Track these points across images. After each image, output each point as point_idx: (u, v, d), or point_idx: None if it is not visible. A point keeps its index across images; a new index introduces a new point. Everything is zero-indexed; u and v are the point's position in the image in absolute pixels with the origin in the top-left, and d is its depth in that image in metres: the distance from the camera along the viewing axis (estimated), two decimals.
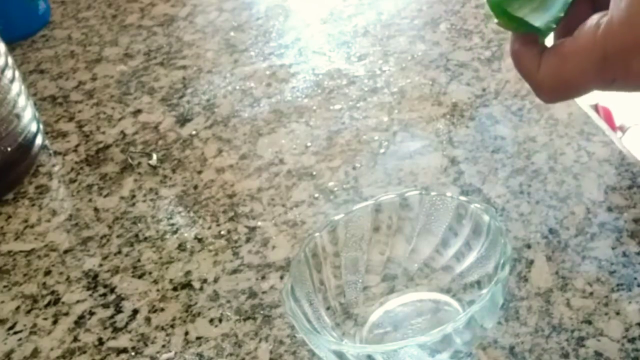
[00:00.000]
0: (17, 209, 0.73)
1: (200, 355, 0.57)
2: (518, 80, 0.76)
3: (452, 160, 0.69)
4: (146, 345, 0.59)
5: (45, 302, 0.64)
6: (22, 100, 0.75)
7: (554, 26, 0.47)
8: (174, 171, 0.74)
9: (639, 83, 0.43)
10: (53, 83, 0.90)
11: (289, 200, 0.68)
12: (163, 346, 0.59)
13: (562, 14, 0.47)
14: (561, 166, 0.66)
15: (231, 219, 0.68)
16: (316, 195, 0.68)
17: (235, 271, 0.63)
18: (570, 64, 0.44)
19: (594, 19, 0.43)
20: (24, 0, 0.98)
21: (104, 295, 0.63)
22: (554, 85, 0.46)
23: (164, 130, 0.79)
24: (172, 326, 0.60)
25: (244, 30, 0.92)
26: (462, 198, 0.55)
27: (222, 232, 0.67)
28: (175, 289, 0.63)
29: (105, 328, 0.61)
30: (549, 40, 0.48)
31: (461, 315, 0.47)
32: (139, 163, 0.76)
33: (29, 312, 0.63)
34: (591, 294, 0.56)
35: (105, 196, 0.73)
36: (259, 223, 0.67)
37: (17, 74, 0.75)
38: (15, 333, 0.62)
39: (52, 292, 0.65)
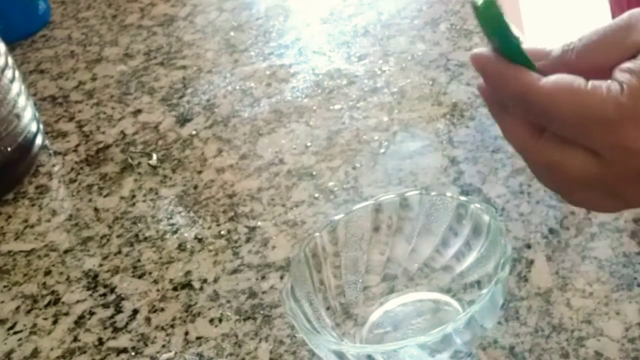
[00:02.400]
0: (17, 209, 0.73)
1: (200, 355, 0.57)
2: None
3: (452, 160, 0.69)
4: (146, 345, 0.59)
5: (45, 302, 0.64)
6: (22, 100, 0.75)
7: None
8: (174, 171, 0.74)
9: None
10: (53, 83, 0.90)
11: (289, 200, 0.68)
12: (163, 346, 0.59)
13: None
14: None
15: (231, 219, 0.68)
16: (316, 195, 0.68)
17: (235, 271, 0.63)
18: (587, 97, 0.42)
19: (602, 84, 0.42)
20: (24, 0, 0.98)
21: (104, 295, 0.63)
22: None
23: (164, 130, 0.79)
24: (172, 326, 0.60)
25: (244, 30, 0.92)
26: (462, 198, 0.55)
27: (222, 232, 0.67)
28: (175, 289, 0.63)
29: (105, 328, 0.61)
30: None
31: (461, 315, 0.47)
32: (139, 163, 0.76)
33: (29, 312, 0.63)
34: (591, 294, 0.56)
35: (105, 196, 0.73)
36: (259, 223, 0.67)
37: (17, 74, 0.75)
38: (15, 333, 0.62)
39: (52, 292, 0.65)
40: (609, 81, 0.41)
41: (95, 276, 0.65)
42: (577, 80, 0.42)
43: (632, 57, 0.41)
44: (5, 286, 0.66)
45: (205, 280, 0.63)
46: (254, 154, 0.74)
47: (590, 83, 0.41)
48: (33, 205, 0.74)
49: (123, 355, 0.58)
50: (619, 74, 0.41)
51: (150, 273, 0.64)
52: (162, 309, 0.61)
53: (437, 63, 0.81)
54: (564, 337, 0.54)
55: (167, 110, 0.82)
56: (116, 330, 0.60)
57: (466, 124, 0.72)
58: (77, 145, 0.80)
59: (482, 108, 0.74)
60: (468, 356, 0.52)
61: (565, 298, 0.56)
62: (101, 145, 0.79)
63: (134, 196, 0.72)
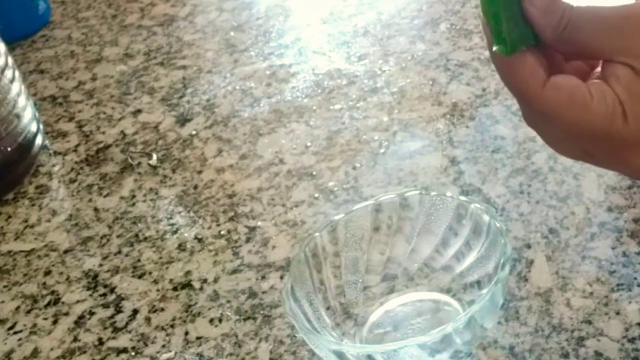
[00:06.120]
0: (17, 209, 0.73)
1: (200, 355, 0.57)
2: None
3: (452, 160, 0.69)
4: (146, 345, 0.59)
5: (45, 302, 0.64)
6: (22, 100, 0.75)
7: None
8: (174, 171, 0.74)
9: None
10: (53, 83, 0.90)
11: (289, 200, 0.68)
12: (163, 346, 0.59)
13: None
14: (561, 166, 0.66)
15: (231, 219, 0.68)
16: (316, 195, 0.68)
17: (235, 271, 0.63)
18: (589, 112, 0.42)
19: (605, 100, 0.40)
20: (24, 0, 0.98)
21: (104, 295, 0.63)
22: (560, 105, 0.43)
23: (164, 130, 0.79)
24: (172, 326, 0.60)
25: (244, 30, 0.92)
26: (462, 198, 0.55)
27: (222, 232, 0.67)
28: (175, 289, 0.63)
29: (105, 328, 0.61)
30: None
31: (461, 315, 0.47)
32: (139, 163, 0.76)
33: (29, 312, 0.63)
34: (591, 294, 0.56)
35: (105, 196, 0.73)
36: (259, 223, 0.67)
37: (17, 74, 0.75)
38: (15, 333, 0.62)
39: (52, 292, 0.65)
40: (609, 97, 0.40)
41: (95, 276, 0.65)
42: (580, 93, 0.41)
43: (633, 55, 0.39)
44: (5, 286, 0.66)
45: (205, 280, 0.63)
46: (254, 154, 0.74)
47: (595, 99, 0.40)
48: (33, 205, 0.74)
49: (123, 355, 0.58)
50: (619, 88, 0.40)
51: (150, 273, 0.64)
52: (162, 309, 0.61)
53: (437, 63, 0.81)
54: (564, 337, 0.54)
55: (167, 110, 0.82)
56: (116, 330, 0.60)
57: (466, 124, 0.72)
58: (77, 145, 0.80)
59: (482, 108, 0.74)
60: (468, 356, 0.52)
61: (565, 298, 0.56)
62: (101, 145, 0.79)
63: (134, 196, 0.72)
